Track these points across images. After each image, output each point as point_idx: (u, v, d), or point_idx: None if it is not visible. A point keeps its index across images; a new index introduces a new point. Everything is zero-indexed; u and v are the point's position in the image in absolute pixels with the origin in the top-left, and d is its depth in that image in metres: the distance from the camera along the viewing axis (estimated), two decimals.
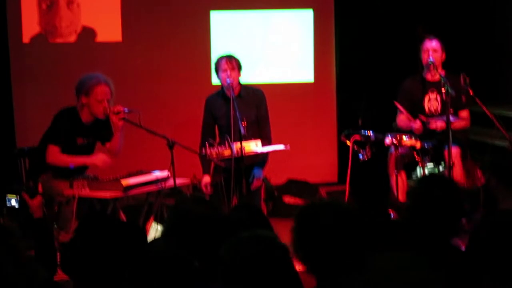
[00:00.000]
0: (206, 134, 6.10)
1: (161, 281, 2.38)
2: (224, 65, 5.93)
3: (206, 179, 6.03)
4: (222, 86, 6.05)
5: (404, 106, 6.55)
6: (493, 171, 3.49)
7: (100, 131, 5.84)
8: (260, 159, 6.09)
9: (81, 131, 5.73)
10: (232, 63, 5.94)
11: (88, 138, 5.80)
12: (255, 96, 6.11)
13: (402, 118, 6.54)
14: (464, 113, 6.49)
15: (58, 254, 5.01)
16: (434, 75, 6.40)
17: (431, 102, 6.53)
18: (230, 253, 2.45)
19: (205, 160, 5.94)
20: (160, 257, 2.44)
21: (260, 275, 2.41)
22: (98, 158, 5.65)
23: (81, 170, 5.77)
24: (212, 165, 6.03)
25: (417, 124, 6.31)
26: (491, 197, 3.28)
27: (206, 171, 6.04)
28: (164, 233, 3.22)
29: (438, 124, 6.26)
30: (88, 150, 5.82)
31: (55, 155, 5.64)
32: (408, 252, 2.64)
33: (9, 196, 3.87)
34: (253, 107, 6.05)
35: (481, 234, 2.61)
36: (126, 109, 5.62)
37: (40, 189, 4.10)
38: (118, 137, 5.78)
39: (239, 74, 5.99)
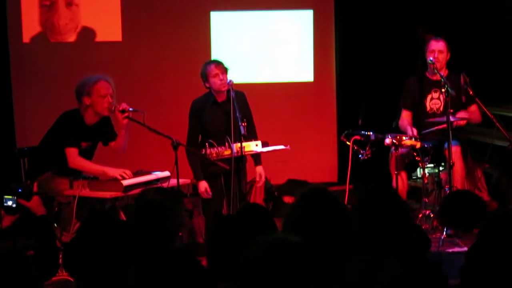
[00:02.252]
0: (192, 139, 6.01)
1: (166, 282, 2.38)
2: (214, 70, 5.91)
3: (203, 184, 5.95)
4: (211, 91, 6.01)
5: (407, 104, 6.57)
6: (505, 170, 3.49)
7: (102, 132, 5.84)
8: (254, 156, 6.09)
9: (85, 134, 5.74)
10: (220, 66, 5.93)
11: (92, 141, 5.82)
12: (240, 98, 6.08)
13: (404, 118, 6.57)
14: (473, 107, 6.47)
15: (60, 253, 5.05)
16: (437, 74, 6.40)
17: (433, 101, 6.54)
18: (256, 254, 2.48)
19: (195, 167, 5.90)
20: (165, 257, 2.44)
21: (285, 277, 2.43)
22: (117, 172, 5.58)
23: (79, 172, 5.78)
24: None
25: (411, 133, 6.29)
26: (501, 196, 3.27)
27: (199, 178, 5.96)
28: (130, 220, 3.29)
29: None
30: (90, 153, 5.83)
31: (77, 159, 5.63)
32: (381, 256, 2.63)
33: (6, 196, 3.88)
34: (241, 107, 6.01)
35: (490, 233, 2.59)
36: (131, 108, 5.64)
37: (35, 188, 4.10)
38: (123, 136, 5.77)
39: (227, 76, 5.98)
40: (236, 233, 2.91)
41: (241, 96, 6.07)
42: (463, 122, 6.45)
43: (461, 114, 6.43)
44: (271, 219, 3.18)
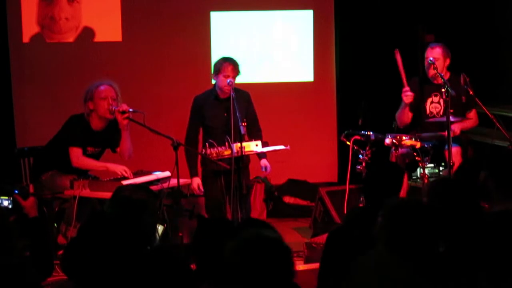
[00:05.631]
0: (191, 134, 6.08)
1: (159, 283, 2.39)
2: (229, 71, 5.90)
3: (197, 180, 6.00)
4: (215, 87, 6.03)
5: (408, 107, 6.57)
6: (491, 171, 3.49)
7: (110, 138, 5.87)
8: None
9: (91, 139, 5.80)
10: (236, 71, 5.93)
11: (98, 147, 5.86)
12: (244, 98, 6.09)
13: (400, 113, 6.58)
14: (472, 114, 6.50)
15: (59, 252, 5.05)
16: (437, 77, 6.39)
17: (433, 104, 6.53)
18: (233, 252, 2.48)
19: (192, 163, 5.94)
20: (158, 259, 2.44)
21: (262, 275, 2.43)
22: (119, 167, 5.65)
23: (84, 172, 5.81)
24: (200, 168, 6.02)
25: (406, 92, 6.28)
26: (488, 197, 3.28)
27: (193, 174, 6.02)
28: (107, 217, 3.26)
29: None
30: (96, 159, 5.87)
31: (80, 158, 5.72)
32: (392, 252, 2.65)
33: (1, 197, 3.87)
34: (243, 108, 6.02)
35: (477, 234, 2.62)
36: (131, 109, 5.68)
37: (31, 189, 4.11)
38: (125, 138, 5.81)
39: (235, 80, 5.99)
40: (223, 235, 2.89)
41: (244, 95, 6.09)
42: (457, 132, 6.42)
43: (460, 125, 6.41)
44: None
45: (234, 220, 5.58)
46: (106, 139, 5.88)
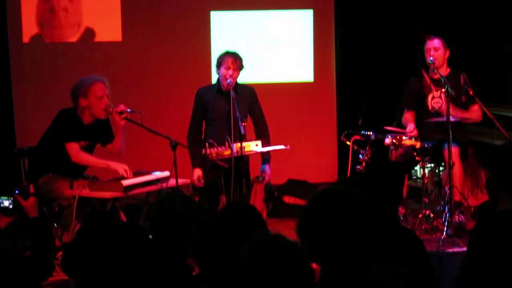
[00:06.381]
0: (194, 126, 6.12)
1: (158, 283, 2.38)
2: (229, 63, 5.94)
3: (198, 172, 6.02)
4: (218, 81, 6.07)
5: (409, 105, 6.58)
6: (493, 171, 3.50)
7: (100, 132, 5.84)
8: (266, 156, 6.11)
9: (82, 133, 5.74)
10: (237, 63, 5.96)
11: (89, 140, 5.81)
12: (248, 93, 6.11)
13: (407, 117, 6.58)
14: (475, 107, 6.48)
15: (59, 253, 5.05)
16: (438, 69, 6.40)
17: (435, 100, 6.53)
18: (251, 254, 2.45)
19: (195, 155, 5.95)
20: (156, 260, 2.44)
21: (280, 277, 2.40)
22: (120, 166, 5.62)
23: (81, 170, 5.78)
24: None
25: (410, 128, 6.32)
26: (492, 197, 3.29)
27: (196, 165, 6.03)
28: (148, 230, 3.25)
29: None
30: (88, 152, 5.82)
31: (79, 153, 5.66)
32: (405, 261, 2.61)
33: (2, 197, 3.87)
34: (246, 104, 6.04)
35: (481, 234, 2.61)
36: (129, 109, 5.65)
37: (32, 189, 4.10)
38: (121, 138, 5.78)
39: (238, 74, 6.00)
40: (223, 236, 2.87)
41: (249, 91, 6.11)
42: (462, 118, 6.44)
43: (461, 113, 6.42)
44: (261, 218, 3.16)
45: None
46: (96, 133, 5.84)
